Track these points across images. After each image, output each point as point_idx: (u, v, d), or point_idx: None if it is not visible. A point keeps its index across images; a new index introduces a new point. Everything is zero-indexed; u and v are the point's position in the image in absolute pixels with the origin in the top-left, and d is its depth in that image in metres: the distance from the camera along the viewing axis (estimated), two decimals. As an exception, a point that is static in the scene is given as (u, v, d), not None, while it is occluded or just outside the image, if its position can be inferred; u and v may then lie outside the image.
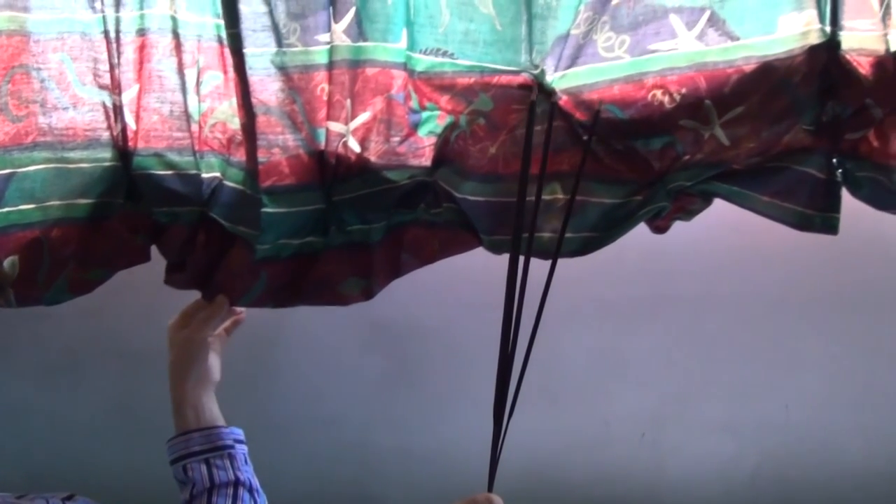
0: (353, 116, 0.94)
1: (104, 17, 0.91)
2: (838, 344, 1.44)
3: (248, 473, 0.96)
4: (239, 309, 1.08)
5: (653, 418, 1.48)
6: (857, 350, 1.45)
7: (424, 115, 0.97)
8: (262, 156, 0.93)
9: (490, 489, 0.95)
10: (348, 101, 0.94)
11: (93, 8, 0.90)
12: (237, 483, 0.94)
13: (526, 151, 0.95)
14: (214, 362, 1.01)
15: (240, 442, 0.98)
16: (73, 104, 0.92)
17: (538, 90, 0.94)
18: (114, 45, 0.92)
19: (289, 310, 1.06)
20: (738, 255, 1.37)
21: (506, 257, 0.96)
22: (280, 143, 0.93)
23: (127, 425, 1.40)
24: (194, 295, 1.04)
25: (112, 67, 0.92)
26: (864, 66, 0.88)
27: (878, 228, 1.31)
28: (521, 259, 0.95)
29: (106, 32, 0.91)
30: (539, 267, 0.96)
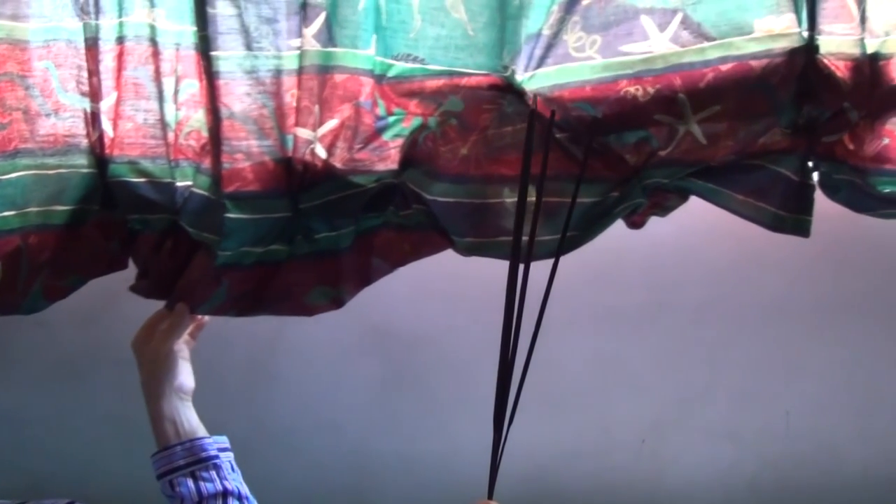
0: (321, 123, 0.93)
1: (86, 25, 0.91)
2: (839, 351, 1.43)
3: (236, 481, 0.95)
4: None
5: (653, 425, 1.48)
6: (857, 357, 1.44)
7: (391, 119, 0.95)
8: (225, 161, 0.92)
9: (490, 496, 0.94)
10: (316, 108, 0.93)
11: (79, 15, 0.90)
12: (226, 493, 0.93)
13: (526, 153, 0.94)
14: (186, 370, 0.99)
15: (224, 450, 0.97)
16: (56, 111, 0.92)
17: (509, 91, 0.94)
18: (94, 53, 0.92)
19: (287, 317, 1.05)
20: (737, 262, 1.37)
21: (506, 263, 0.96)
22: (243, 149, 0.92)
23: (125, 433, 1.39)
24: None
25: (91, 74, 0.92)
26: (841, 70, 0.88)
27: (878, 235, 1.31)
28: (520, 269, 0.95)
29: (86, 40, 0.91)
30: (539, 273, 0.96)
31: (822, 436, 1.48)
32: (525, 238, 0.95)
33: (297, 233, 0.99)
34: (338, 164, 0.95)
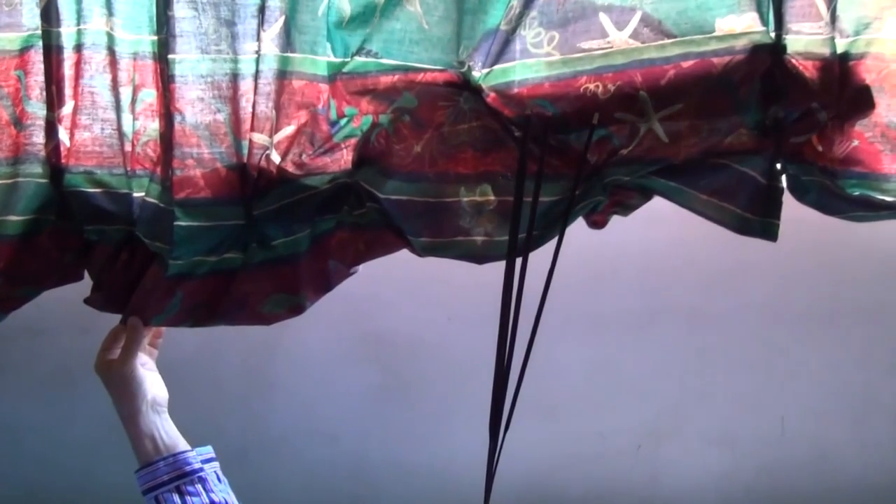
0: (278, 129, 0.92)
1: (45, 32, 0.89)
2: (833, 356, 1.43)
3: (222, 493, 0.94)
4: None
5: (648, 431, 1.48)
6: (851, 362, 1.44)
7: (342, 122, 0.94)
8: (176, 167, 0.90)
9: (486, 503, 0.95)
10: (273, 113, 0.91)
11: (48, 22, 0.89)
12: None
13: (521, 157, 0.92)
14: (155, 382, 0.98)
15: (209, 461, 0.96)
16: (20, 119, 0.91)
17: (465, 87, 0.91)
18: (53, 61, 0.90)
19: (283, 324, 1.02)
20: (732, 268, 1.37)
21: (501, 268, 0.96)
22: (195, 155, 0.90)
23: (122, 442, 1.39)
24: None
25: (50, 83, 0.91)
26: (809, 70, 0.86)
27: (871, 240, 1.31)
28: (517, 271, 0.94)
29: (46, 47, 0.90)
30: (535, 280, 0.96)
31: (817, 441, 1.48)
32: (521, 235, 0.94)
33: (251, 240, 0.96)
34: (290, 169, 0.93)
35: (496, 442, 0.93)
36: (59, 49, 0.90)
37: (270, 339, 1.37)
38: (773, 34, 0.86)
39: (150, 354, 1.01)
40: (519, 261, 0.94)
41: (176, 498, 0.91)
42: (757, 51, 0.86)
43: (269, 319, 1.01)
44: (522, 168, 0.93)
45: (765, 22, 0.86)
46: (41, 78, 0.91)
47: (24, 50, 0.89)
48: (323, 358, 1.39)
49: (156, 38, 0.90)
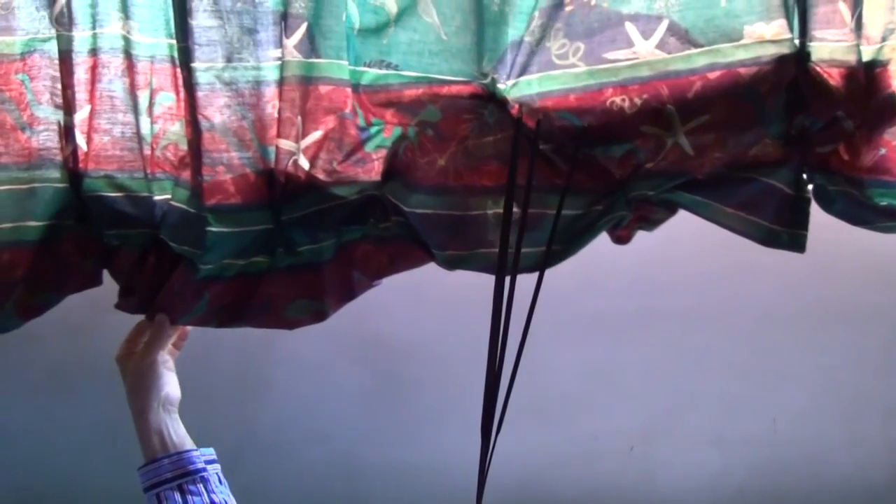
0: (305, 134, 0.91)
1: (60, 36, 0.89)
2: (825, 357, 1.44)
3: (223, 494, 0.94)
4: None
5: (641, 432, 1.48)
6: (844, 363, 1.45)
7: (372, 130, 0.93)
8: (206, 174, 0.90)
9: (478, 504, 0.95)
10: (299, 119, 0.91)
11: (52, 27, 0.88)
12: None
13: (513, 163, 0.92)
14: (171, 381, 0.98)
15: (211, 462, 0.96)
16: (30, 124, 0.90)
17: (490, 99, 0.91)
18: (66, 65, 0.90)
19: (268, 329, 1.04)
20: (725, 269, 1.37)
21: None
22: (224, 161, 0.90)
23: (114, 446, 1.39)
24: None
25: (64, 87, 0.90)
26: (834, 78, 0.84)
27: (863, 241, 1.32)
28: (509, 271, 0.94)
29: (59, 52, 0.89)
30: (527, 281, 0.96)
31: (809, 442, 1.48)
32: (511, 250, 0.93)
33: (278, 245, 0.97)
34: (320, 176, 0.93)
35: (488, 443, 0.93)
36: (74, 53, 0.89)
37: (264, 341, 1.37)
38: (797, 41, 0.85)
39: (171, 354, 1.01)
40: (515, 260, 0.94)
41: (177, 496, 0.91)
42: (783, 60, 0.85)
43: (291, 324, 1.01)
44: (512, 176, 0.93)
45: (791, 29, 0.85)
46: (49, 83, 0.90)
47: (27, 54, 0.88)
48: (316, 359, 1.39)
49: (173, 41, 0.90)
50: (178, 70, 0.91)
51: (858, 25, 0.84)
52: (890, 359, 1.44)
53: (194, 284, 0.96)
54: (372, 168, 0.95)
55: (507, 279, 0.92)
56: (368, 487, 1.47)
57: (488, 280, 0.94)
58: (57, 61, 0.90)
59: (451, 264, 0.98)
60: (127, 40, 0.89)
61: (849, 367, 1.44)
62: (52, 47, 0.89)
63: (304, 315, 1.01)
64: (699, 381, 1.44)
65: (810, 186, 0.93)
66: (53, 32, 0.89)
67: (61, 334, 1.25)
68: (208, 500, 0.92)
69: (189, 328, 1.04)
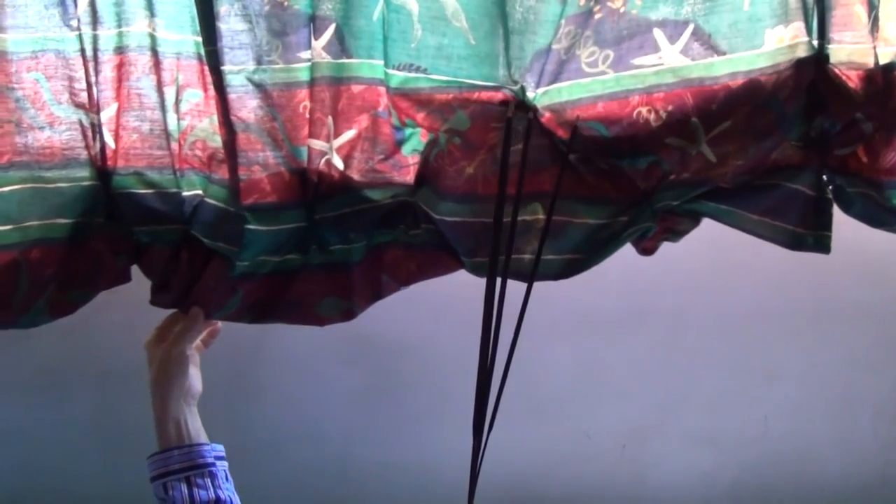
0: (338, 134, 0.92)
1: (80, 36, 0.88)
2: (816, 355, 1.45)
3: (228, 491, 0.94)
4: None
5: (633, 431, 1.48)
6: (834, 361, 1.45)
7: (407, 132, 0.94)
8: (242, 173, 0.91)
9: (470, 502, 0.95)
10: (330, 119, 0.91)
11: (68, 26, 0.88)
12: (217, 502, 0.93)
13: (503, 169, 0.93)
14: (195, 375, 0.99)
15: (220, 458, 0.96)
16: (50, 123, 0.89)
17: (517, 107, 0.91)
18: (91, 64, 0.89)
19: (269, 326, 1.03)
20: (716, 268, 1.38)
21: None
22: (260, 161, 0.91)
23: (105, 444, 1.39)
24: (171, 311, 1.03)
25: (90, 86, 0.90)
26: (853, 80, 0.84)
27: (854, 240, 1.32)
28: (501, 269, 0.95)
29: (82, 51, 0.89)
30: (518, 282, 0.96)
31: (800, 440, 1.49)
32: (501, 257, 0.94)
33: (312, 242, 0.98)
34: (355, 176, 0.93)
35: (480, 441, 0.93)
36: (100, 52, 0.89)
37: (257, 341, 1.37)
38: (815, 43, 0.86)
39: (198, 350, 1.02)
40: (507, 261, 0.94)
41: (184, 487, 0.92)
42: (802, 63, 0.86)
43: (322, 320, 1.03)
44: (503, 183, 0.93)
45: (809, 31, 0.86)
46: (67, 82, 0.89)
47: (39, 52, 0.88)
48: (309, 359, 1.39)
49: (198, 38, 0.90)
50: (205, 67, 0.91)
51: (874, 27, 0.84)
52: (879, 357, 1.45)
53: (229, 281, 0.97)
54: (407, 172, 0.95)
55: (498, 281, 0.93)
56: (361, 486, 1.47)
57: (480, 280, 0.94)
58: (73, 60, 0.89)
59: (480, 271, 0.98)
60: (153, 38, 0.90)
61: (839, 366, 1.45)
62: (68, 46, 0.88)
63: (334, 313, 1.02)
64: (690, 380, 1.45)
65: (830, 188, 0.94)
66: (70, 32, 0.88)
67: (52, 334, 1.24)
68: (214, 496, 0.92)
69: (219, 327, 1.05)
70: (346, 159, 0.93)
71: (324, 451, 1.44)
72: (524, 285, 0.94)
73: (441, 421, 1.40)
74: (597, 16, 0.88)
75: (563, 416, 1.45)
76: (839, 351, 1.45)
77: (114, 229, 0.97)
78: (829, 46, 0.85)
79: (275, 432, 1.42)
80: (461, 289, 1.06)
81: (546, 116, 0.91)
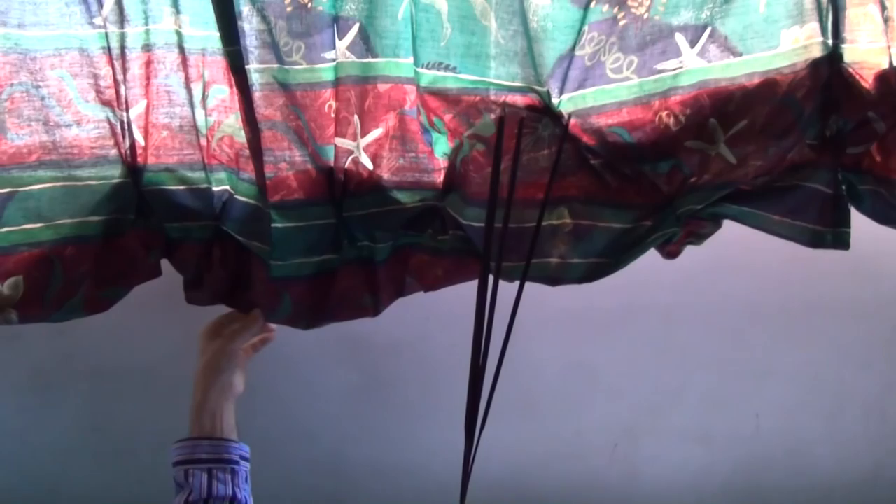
0: (365, 133, 0.93)
1: (106, 34, 0.88)
2: (808, 353, 1.45)
3: (245, 492, 0.95)
4: (272, 326, 1.08)
5: (625, 429, 1.49)
6: (826, 359, 1.46)
7: (434, 135, 0.94)
8: (269, 171, 0.91)
9: (462, 501, 0.95)
10: (356, 118, 0.91)
11: (91, 24, 0.87)
12: (234, 500, 0.93)
13: (495, 171, 0.93)
14: (240, 375, 1.01)
15: (245, 459, 0.97)
16: (77, 121, 0.90)
17: (543, 112, 0.92)
18: (118, 62, 0.89)
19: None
20: (708, 265, 1.38)
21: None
22: (287, 158, 0.91)
23: (97, 446, 1.38)
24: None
25: (117, 84, 0.90)
26: (866, 80, 0.86)
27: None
28: (493, 270, 0.95)
29: (109, 49, 0.89)
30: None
31: (792, 437, 1.50)
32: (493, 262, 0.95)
33: (343, 238, 0.99)
34: (385, 175, 0.94)
35: (472, 440, 0.94)
36: (128, 49, 0.89)
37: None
38: (830, 42, 0.87)
39: (246, 353, 1.04)
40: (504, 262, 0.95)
41: (204, 477, 0.93)
42: (817, 63, 0.87)
43: (366, 313, 1.04)
44: (496, 182, 0.93)
45: (824, 32, 0.87)
46: (92, 80, 0.90)
47: (63, 50, 0.88)
48: (301, 358, 1.39)
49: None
50: (234, 70, 0.92)
51: (887, 27, 0.85)
52: (871, 355, 1.45)
53: (272, 285, 0.97)
54: (438, 176, 0.96)
55: (491, 277, 0.93)
56: (354, 485, 1.47)
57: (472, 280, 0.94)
58: (97, 58, 0.89)
59: (507, 276, 0.98)
60: (179, 35, 0.90)
61: (831, 363, 1.46)
62: (91, 44, 0.88)
63: (368, 305, 1.04)
64: (683, 378, 1.45)
65: (843, 186, 0.96)
66: (94, 31, 0.88)
67: (43, 334, 1.24)
68: (231, 492, 0.93)
69: (273, 336, 1.08)
70: (375, 158, 0.94)
71: (316, 450, 1.44)
72: (516, 283, 0.94)
73: (433, 419, 1.40)
74: (621, 22, 0.88)
75: (555, 414, 1.46)
76: (831, 348, 1.45)
77: (145, 226, 0.98)
78: (843, 46, 0.86)
79: (267, 431, 1.41)
80: (453, 287, 1.06)
81: (572, 122, 0.92)
